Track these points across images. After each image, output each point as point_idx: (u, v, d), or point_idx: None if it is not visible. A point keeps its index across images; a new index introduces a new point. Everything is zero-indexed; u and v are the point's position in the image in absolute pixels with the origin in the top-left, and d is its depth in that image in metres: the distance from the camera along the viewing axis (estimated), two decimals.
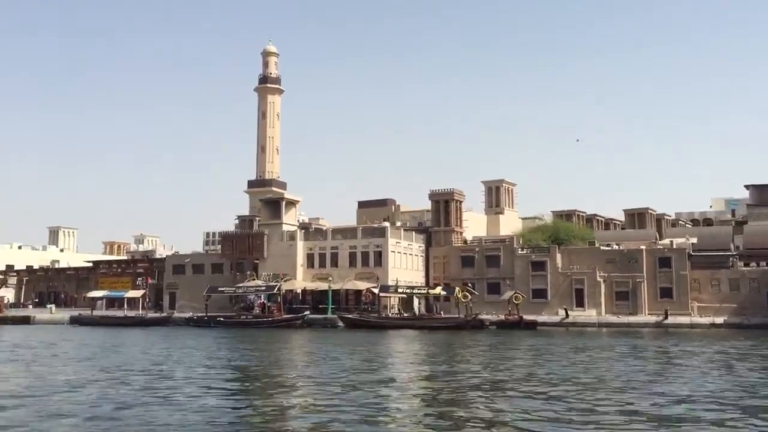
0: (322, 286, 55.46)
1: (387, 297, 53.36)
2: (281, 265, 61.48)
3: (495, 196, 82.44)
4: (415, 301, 58.04)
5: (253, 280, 59.99)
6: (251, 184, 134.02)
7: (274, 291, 51.33)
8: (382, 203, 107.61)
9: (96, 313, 57.72)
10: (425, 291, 50.88)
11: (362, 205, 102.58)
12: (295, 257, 61.27)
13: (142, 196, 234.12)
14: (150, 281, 58.22)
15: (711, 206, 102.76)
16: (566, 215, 78.67)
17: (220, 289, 54.69)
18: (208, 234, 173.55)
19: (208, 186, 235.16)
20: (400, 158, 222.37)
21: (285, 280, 54.30)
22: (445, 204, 64.54)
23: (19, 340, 39.27)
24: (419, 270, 63.27)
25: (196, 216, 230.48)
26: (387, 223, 68.34)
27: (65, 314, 61.74)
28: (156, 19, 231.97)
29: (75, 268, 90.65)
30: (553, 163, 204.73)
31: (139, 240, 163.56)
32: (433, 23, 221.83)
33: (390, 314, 53.34)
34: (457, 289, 49.39)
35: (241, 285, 54.61)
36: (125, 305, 60.61)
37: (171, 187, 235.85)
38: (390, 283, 56.50)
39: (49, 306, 67.08)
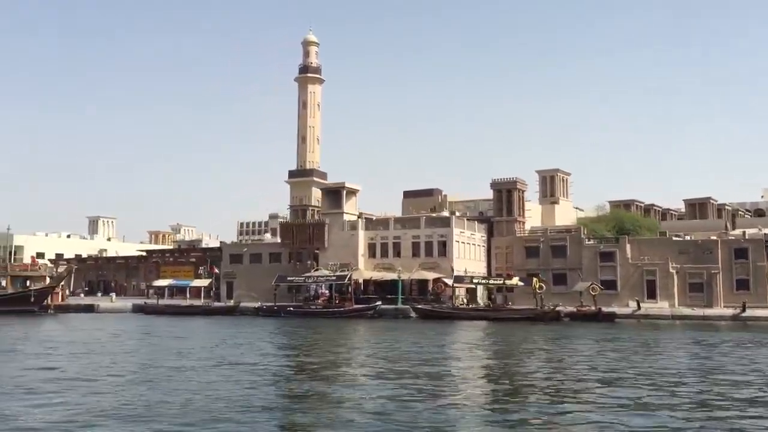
0: (390, 276, 54.66)
1: (460, 287, 52.41)
2: (342, 254, 60.80)
3: (549, 185, 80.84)
4: (479, 291, 57.06)
5: (315, 270, 59.49)
6: (292, 174, 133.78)
7: (345, 281, 50.60)
8: (428, 193, 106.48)
9: (161, 301, 57.49)
10: (501, 281, 49.71)
11: (408, 194, 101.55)
12: (356, 247, 60.53)
13: (176, 186, 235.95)
14: (215, 271, 57.75)
15: (762, 196, 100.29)
16: (624, 205, 76.94)
17: (289, 278, 54.13)
18: (242, 224, 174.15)
19: (242, 176, 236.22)
20: (443, 148, 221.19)
21: (354, 270, 53.50)
22: (507, 193, 63.26)
23: (117, 329, 38.88)
24: (481, 260, 62.19)
25: (230, 206, 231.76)
26: (446, 213, 67.47)
27: (127, 303, 61.75)
28: (196, 9, 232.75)
29: (125, 257, 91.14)
30: (595, 154, 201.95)
31: (176, 230, 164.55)
32: (482, 13, 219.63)
33: (458, 305, 52.39)
34: (534, 279, 48.23)
35: (310, 275, 53.98)
36: (187, 294, 60.43)
37: (205, 178, 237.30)
38: (456, 273, 55.69)
39: (110, 294, 67.05)
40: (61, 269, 63.55)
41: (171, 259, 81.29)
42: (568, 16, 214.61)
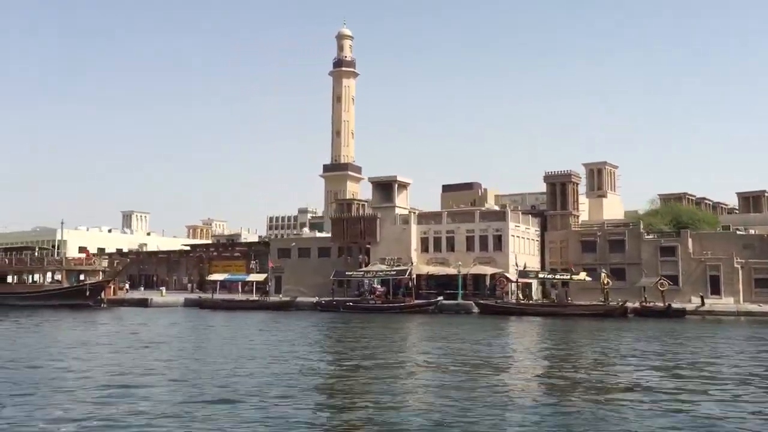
0: (447, 270, 53.86)
1: (523, 282, 51.48)
2: (394, 249, 60.07)
3: (597, 179, 79.37)
4: (533, 286, 55.99)
5: (368, 265, 58.90)
6: (326, 168, 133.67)
7: (406, 275, 49.87)
8: (468, 186, 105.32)
9: (216, 296, 57.26)
10: (568, 276, 48.57)
11: (446, 188, 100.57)
12: (408, 241, 59.73)
13: (206, 181, 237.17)
14: (272, 265, 57.31)
15: None
16: (676, 198, 75.18)
17: (347, 273, 53.53)
18: (271, 219, 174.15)
19: (269, 171, 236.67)
20: (481, 142, 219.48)
21: (410, 265, 52.69)
22: (561, 186, 62.02)
23: (196, 325, 38.63)
24: (535, 255, 61.11)
25: (259, 201, 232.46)
26: (492, 207, 66.42)
27: (178, 297, 61.70)
28: (232, 2, 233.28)
29: (167, 252, 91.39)
30: (638, 147, 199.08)
31: (208, 224, 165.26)
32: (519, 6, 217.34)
33: (519, 300, 51.43)
34: (603, 274, 47.05)
35: (369, 269, 53.30)
36: (239, 289, 60.21)
37: (233, 173, 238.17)
38: (512, 267, 54.76)
39: (160, 288, 67.09)
40: (104, 263, 63.59)
41: (215, 253, 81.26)
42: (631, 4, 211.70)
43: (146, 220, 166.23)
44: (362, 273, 52.45)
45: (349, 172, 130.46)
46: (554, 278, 48.84)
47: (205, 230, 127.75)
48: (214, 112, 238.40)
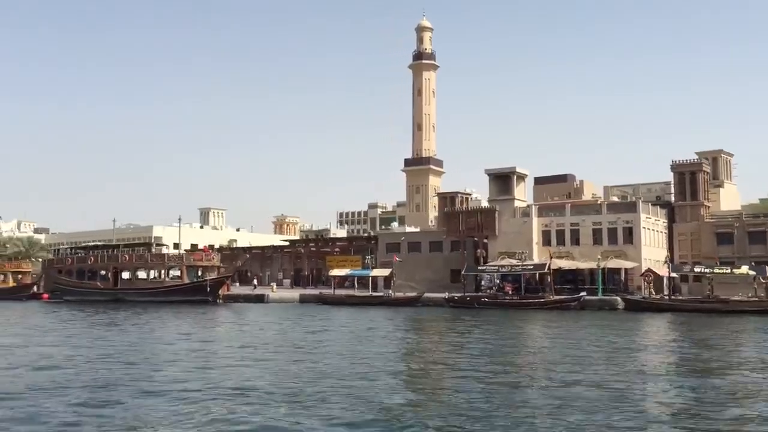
0: (580, 264, 51.44)
1: (656, 276, 48.64)
2: (514, 242, 57.87)
3: (712, 168, 75.24)
4: (664, 281, 52.91)
5: (484, 259, 57.00)
6: (408, 162, 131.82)
7: (545, 270, 47.69)
8: (562, 179, 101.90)
9: (339, 292, 56.27)
10: (728, 270, 45.45)
11: (539, 181, 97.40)
12: (530, 234, 57.44)
13: (274, 176, 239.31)
14: (397, 259, 55.93)
15: None
16: None
17: (480, 267, 51.72)
18: (341, 214, 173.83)
19: (338, 166, 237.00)
20: (572, 132, 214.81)
21: (553, 257, 50.45)
22: (691, 175, 58.61)
23: (343, 322, 37.36)
24: (663, 248, 57.95)
25: (326, 196, 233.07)
26: (596, 198, 63.40)
27: (293, 293, 61.04)
28: None
29: (261, 247, 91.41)
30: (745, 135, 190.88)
31: (281, 220, 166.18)
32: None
33: (652, 295, 48.57)
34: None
35: (503, 263, 51.38)
36: (355, 284, 59.18)
37: (301, 168, 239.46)
38: (644, 261, 52.06)
39: (271, 284, 66.70)
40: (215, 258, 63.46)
41: (314, 249, 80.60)
42: None
43: (223, 216, 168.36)
44: (496, 267, 50.49)
45: (431, 166, 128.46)
46: (712, 272, 45.70)
47: (292, 225, 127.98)
48: (283, 107, 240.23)
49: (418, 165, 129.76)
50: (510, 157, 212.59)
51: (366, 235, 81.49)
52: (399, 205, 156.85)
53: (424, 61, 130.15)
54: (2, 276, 71.72)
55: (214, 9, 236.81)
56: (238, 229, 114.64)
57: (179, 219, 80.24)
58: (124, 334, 30.90)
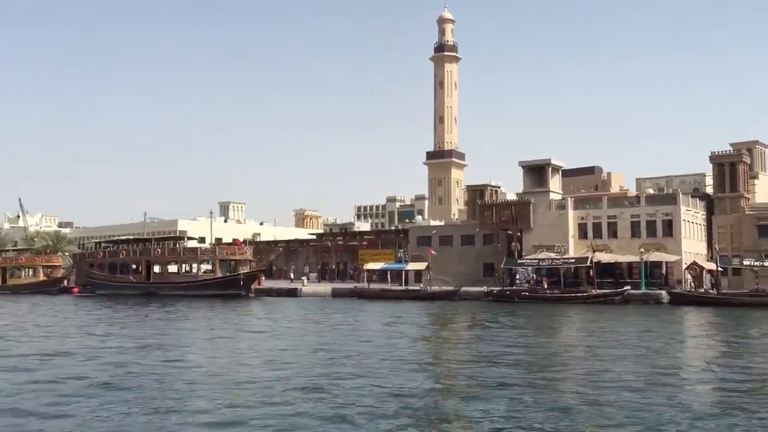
0: (619, 258, 50.61)
1: (699, 269, 47.75)
2: (549, 235, 57.03)
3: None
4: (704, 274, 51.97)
5: (518, 252, 56.28)
6: (429, 155, 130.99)
7: (587, 263, 46.91)
8: (589, 171, 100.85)
9: (373, 285, 55.81)
10: None
11: (565, 173, 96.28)
12: (566, 227, 56.59)
13: (288, 171, 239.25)
14: (433, 253, 55.32)
15: None
16: None
17: (519, 261, 51.01)
18: (359, 208, 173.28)
19: (356, 160, 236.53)
20: (593, 125, 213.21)
21: (596, 251, 49.59)
22: (731, 167, 57.48)
23: (395, 317, 36.76)
24: (702, 240, 56.95)
25: (345, 190, 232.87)
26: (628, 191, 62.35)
27: (326, 287, 60.64)
28: None
29: (286, 241, 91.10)
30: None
31: (300, 214, 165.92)
32: None
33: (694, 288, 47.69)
34: None
35: (543, 257, 50.69)
36: (388, 278, 58.74)
37: (319, 162, 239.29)
38: (684, 254, 51.17)
39: (302, 278, 66.37)
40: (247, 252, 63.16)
41: (341, 242, 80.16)
42: None
43: (243, 210, 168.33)
44: (536, 261, 49.75)
45: (454, 159, 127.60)
46: (762, 265, 44.69)
47: (315, 219, 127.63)
48: (296, 103, 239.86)
49: (440, 158, 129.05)
50: (529, 149, 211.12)
51: (394, 228, 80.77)
52: (417, 198, 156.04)
53: (446, 53, 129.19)
54: (32, 270, 71.90)
55: (214, 9, 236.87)
56: (261, 223, 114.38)
57: (210, 213, 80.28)
58: (199, 331, 30.10)
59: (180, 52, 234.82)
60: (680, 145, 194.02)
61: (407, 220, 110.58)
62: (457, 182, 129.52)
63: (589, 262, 47.14)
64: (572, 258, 49.64)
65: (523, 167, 59.83)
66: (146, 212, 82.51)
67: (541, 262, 49.63)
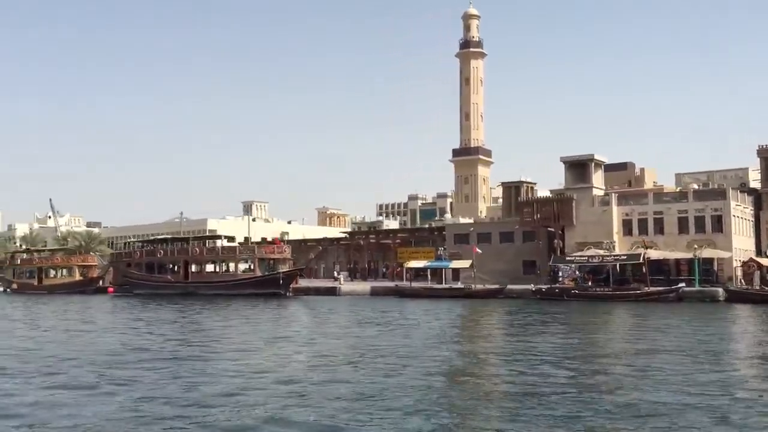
0: (668, 254, 49.51)
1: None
2: (592, 232, 56.05)
3: None
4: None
5: (561, 249, 55.34)
6: (456, 152, 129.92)
7: (639, 260, 45.89)
8: (621, 167, 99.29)
9: (415, 284, 55.15)
10: None
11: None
12: (610, 224, 55.52)
13: (313, 168, 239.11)
14: (477, 250, 54.56)
15: None
16: None
17: (568, 258, 50.10)
18: (380, 206, 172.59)
19: (377, 158, 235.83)
20: (625, 120, 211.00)
21: (647, 247, 48.61)
22: None
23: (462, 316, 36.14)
24: (749, 236, 55.68)
25: (368, 188, 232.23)
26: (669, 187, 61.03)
27: (365, 285, 60.08)
28: None
29: (315, 240, 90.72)
30: None
31: (323, 213, 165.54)
32: None
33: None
34: None
35: (592, 254, 49.66)
36: (428, 276, 58.09)
37: (339, 159, 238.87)
38: (735, 250, 49.95)
39: (338, 276, 65.84)
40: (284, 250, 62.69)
41: (374, 240, 79.61)
42: None
43: (265, 209, 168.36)
44: (585, 258, 48.75)
45: (480, 156, 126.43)
46: None
47: (341, 218, 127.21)
48: (296, 100, 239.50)
49: (467, 155, 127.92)
50: (557, 144, 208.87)
51: (427, 226, 79.99)
52: (439, 196, 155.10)
53: (471, 50, 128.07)
54: (68, 270, 72.00)
55: (214, 9, 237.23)
56: (289, 222, 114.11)
57: (249, 211, 79.77)
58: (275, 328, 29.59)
59: (180, 52, 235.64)
60: (718, 143, 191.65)
61: (437, 218, 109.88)
62: (484, 179, 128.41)
63: (641, 258, 46.07)
64: (623, 255, 48.59)
65: (564, 163, 58.82)
66: (182, 212, 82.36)
67: (590, 259, 48.63)
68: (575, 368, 17.45)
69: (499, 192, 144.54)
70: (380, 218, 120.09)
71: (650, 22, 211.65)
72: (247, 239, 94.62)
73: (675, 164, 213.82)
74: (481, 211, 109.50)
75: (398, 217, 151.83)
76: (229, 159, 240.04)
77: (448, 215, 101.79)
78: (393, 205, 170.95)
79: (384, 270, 78.26)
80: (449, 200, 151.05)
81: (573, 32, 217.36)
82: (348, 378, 15.86)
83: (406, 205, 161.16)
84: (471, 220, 76.79)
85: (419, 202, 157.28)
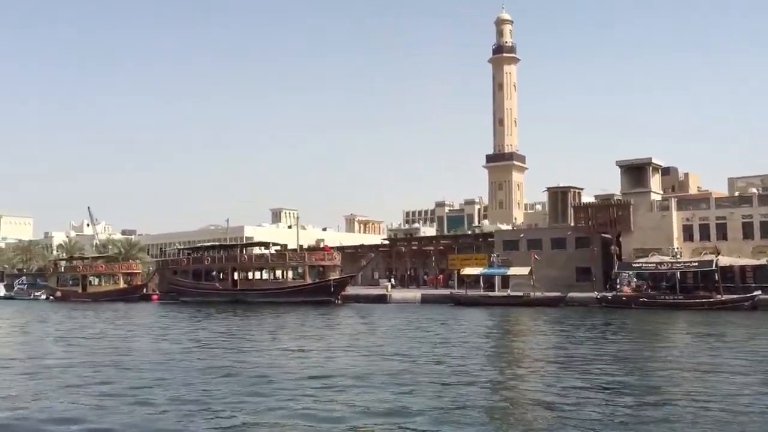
0: (743, 261, 47.93)
1: None
2: (650, 238, 54.54)
3: None
4: None
5: (618, 256, 53.95)
6: (489, 158, 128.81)
7: (712, 267, 44.38)
8: (665, 172, 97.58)
9: (471, 292, 54.01)
10: None
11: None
12: (669, 229, 53.98)
13: (339, 174, 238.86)
14: (535, 257, 53.38)
15: None
16: None
17: (634, 265, 48.68)
18: (407, 213, 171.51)
19: (404, 165, 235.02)
20: (649, 124, 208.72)
21: (718, 253, 47.11)
22: None
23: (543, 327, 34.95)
24: None
25: (394, 195, 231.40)
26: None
27: (415, 293, 59.04)
28: None
29: (353, 247, 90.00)
30: None
31: (350, 220, 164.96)
32: None
33: None
34: None
35: (660, 260, 48.11)
36: (481, 283, 56.90)
37: (366, 166, 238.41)
38: None
39: (386, 284, 64.90)
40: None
41: (415, 247, 78.61)
42: None
43: (294, 216, 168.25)
44: (653, 265, 47.26)
45: (515, 162, 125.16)
46: None
47: (375, 225, 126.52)
48: (297, 100, 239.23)
49: (501, 161, 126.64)
50: (592, 150, 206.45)
51: (470, 233, 78.84)
52: (467, 202, 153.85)
53: (504, 55, 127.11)
54: (112, 277, 71.84)
55: (214, 9, 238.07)
56: (324, 229, 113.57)
57: (279, 218, 79.18)
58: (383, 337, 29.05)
59: (180, 52, 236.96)
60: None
61: (474, 225, 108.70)
62: (518, 185, 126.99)
63: (714, 265, 44.53)
64: (694, 261, 47.02)
65: (620, 167, 57.37)
66: (228, 218, 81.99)
67: (659, 266, 47.13)
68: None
69: (532, 198, 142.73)
70: (416, 225, 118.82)
71: (677, 23, 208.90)
72: (300, 246, 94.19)
73: (717, 168, 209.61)
74: (515, 218, 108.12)
75: (430, 225, 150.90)
76: (239, 163, 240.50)
77: (486, 221, 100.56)
78: (420, 212, 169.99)
79: (424, 277, 77.24)
80: (477, 206, 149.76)
81: (574, 33, 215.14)
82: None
83: (433, 212, 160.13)
84: (509, 227, 75.53)
85: (446, 209, 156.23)
